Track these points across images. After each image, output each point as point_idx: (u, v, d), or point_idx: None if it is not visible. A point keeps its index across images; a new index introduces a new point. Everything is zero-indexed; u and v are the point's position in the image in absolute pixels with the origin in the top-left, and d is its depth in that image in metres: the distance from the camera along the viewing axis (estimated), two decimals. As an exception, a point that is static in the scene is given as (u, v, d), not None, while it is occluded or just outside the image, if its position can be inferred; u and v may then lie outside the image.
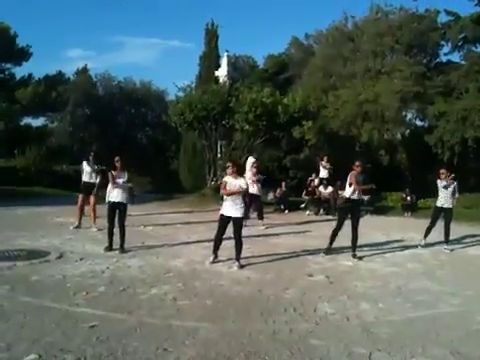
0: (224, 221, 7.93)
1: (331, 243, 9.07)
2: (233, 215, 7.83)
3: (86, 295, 6.05)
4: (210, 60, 24.70)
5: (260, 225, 12.12)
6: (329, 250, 9.04)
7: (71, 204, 12.29)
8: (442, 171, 10.11)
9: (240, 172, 8.42)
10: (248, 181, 12.22)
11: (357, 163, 9.08)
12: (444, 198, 10.04)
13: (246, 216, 12.31)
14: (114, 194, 8.80)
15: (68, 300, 5.83)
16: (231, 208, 7.83)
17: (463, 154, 19.39)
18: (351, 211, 9.07)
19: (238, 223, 7.91)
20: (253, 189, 12.20)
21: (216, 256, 8.06)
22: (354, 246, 8.94)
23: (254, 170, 12.73)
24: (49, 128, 32.79)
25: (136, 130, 36.58)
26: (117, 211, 8.83)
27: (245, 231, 9.03)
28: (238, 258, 7.87)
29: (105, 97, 35.05)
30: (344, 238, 9.08)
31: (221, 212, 7.98)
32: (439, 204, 10.14)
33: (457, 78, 20.39)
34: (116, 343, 4.58)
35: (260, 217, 12.40)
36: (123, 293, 6.21)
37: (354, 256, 8.80)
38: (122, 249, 8.66)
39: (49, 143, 30.11)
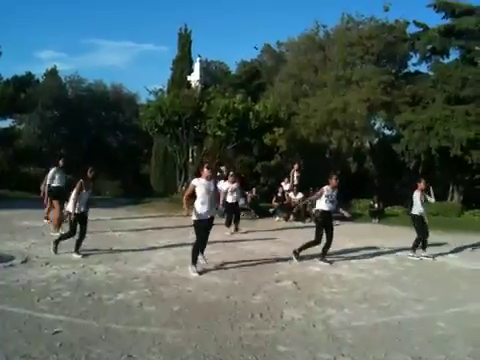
0: (202, 225, 7.76)
1: (301, 250, 9.05)
2: (208, 217, 7.79)
3: (51, 300, 5.96)
4: (183, 65, 24.67)
5: (226, 231, 12.19)
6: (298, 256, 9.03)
7: (38, 208, 12.08)
8: (424, 182, 10.21)
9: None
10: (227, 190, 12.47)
11: (334, 176, 9.12)
12: (423, 207, 10.14)
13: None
14: (82, 204, 8.68)
15: (32, 305, 5.73)
16: (205, 211, 7.71)
17: (428, 163, 19.81)
18: (328, 222, 9.10)
19: (210, 226, 7.98)
20: (231, 197, 12.54)
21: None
22: (325, 252, 9.07)
23: (231, 179, 12.88)
24: (17, 130, 32.01)
25: (106, 133, 36.04)
26: (82, 220, 8.75)
27: (215, 237, 9.08)
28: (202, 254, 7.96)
29: (75, 99, 34.50)
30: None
31: (197, 218, 7.71)
32: (420, 214, 10.15)
33: (424, 88, 20.85)
34: (80, 350, 4.52)
35: (228, 224, 12.49)
36: (88, 299, 6.13)
37: (324, 261, 8.95)
38: (78, 252, 8.57)
39: (17, 145, 29.45)
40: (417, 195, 10.16)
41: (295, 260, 8.91)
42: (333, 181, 9.05)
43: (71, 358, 4.34)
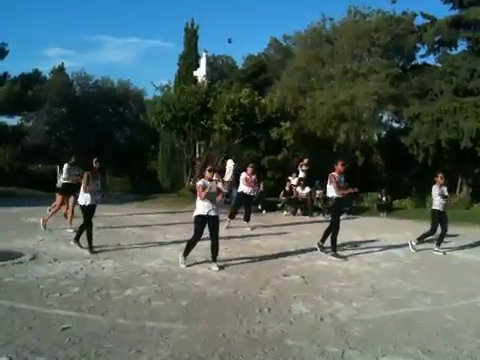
0: (203, 222, 7.86)
1: (335, 246, 9.09)
2: (212, 214, 7.81)
3: (59, 296, 5.99)
4: (189, 60, 24.65)
5: (246, 226, 12.07)
6: (336, 253, 9.04)
7: (46, 205, 12.13)
8: (441, 176, 10.11)
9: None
10: (243, 181, 12.36)
11: (340, 162, 9.29)
12: (441, 202, 10.02)
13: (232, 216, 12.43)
14: (90, 197, 8.72)
15: (41, 301, 5.77)
16: (208, 208, 7.78)
17: (437, 156, 19.65)
18: (342, 208, 9.27)
19: (216, 223, 7.95)
20: (248, 189, 12.36)
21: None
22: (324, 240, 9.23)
23: (250, 170, 12.60)
24: (25, 127, 32.19)
25: (114, 130, 36.18)
26: (91, 213, 8.81)
27: (222, 232, 9.06)
28: (215, 259, 7.87)
29: (82, 96, 34.64)
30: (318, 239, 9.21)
31: (199, 213, 7.85)
32: (441, 208, 10.03)
33: (432, 80, 20.66)
34: (89, 345, 4.54)
35: (232, 216, 12.36)
36: (97, 294, 6.15)
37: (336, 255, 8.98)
38: (92, 249, 8.62)
39: (25, 142, 29.64)
40: (435, 190, 10.07)
41: (334, 257, 8.90)
42: (339, 166, 9.26)
43: (80, 353, 4.36)
